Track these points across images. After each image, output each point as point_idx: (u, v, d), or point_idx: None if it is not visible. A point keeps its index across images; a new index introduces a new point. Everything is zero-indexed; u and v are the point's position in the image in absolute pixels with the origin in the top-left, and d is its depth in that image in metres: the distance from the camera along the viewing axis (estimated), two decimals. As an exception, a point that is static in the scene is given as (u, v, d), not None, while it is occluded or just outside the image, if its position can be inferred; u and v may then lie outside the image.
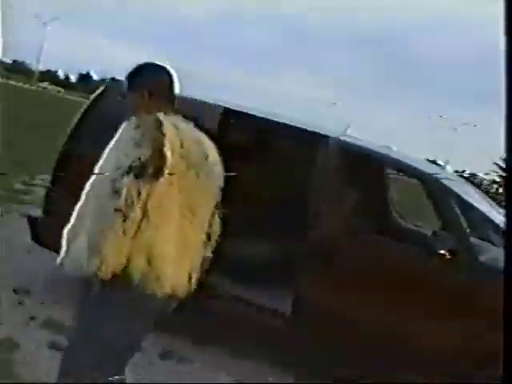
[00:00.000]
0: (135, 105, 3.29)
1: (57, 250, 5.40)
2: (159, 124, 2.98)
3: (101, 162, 2.98)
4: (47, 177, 6.17)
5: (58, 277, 6.09)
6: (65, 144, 5.73)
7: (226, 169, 5.76)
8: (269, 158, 6.66)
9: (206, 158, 3.22)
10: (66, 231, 3.05)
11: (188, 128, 3.19)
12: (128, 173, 2.82)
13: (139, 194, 2.84)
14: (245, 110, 5.66)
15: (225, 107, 5.49)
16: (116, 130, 5.44)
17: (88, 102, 5.84)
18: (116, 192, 2.80)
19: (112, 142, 3.00)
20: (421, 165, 5.69)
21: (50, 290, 5.88)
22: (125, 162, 2.86)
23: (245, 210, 6.13)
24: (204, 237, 3.25)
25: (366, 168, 5.90)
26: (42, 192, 6.70)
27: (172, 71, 3.38)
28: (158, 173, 2.90)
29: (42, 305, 5.49)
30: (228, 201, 5.87)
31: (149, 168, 2.88)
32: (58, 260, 3.06)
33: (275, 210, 6.12)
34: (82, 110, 5.77)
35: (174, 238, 3.05)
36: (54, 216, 5.58)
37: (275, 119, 5.61)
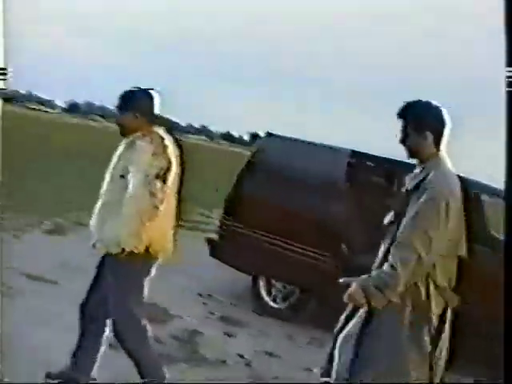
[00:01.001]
0: (129, 123, 4.00)
1: (230, 264, 7.08)
2: (163, 139, 3.93)
3: (129, 167, 3.83)
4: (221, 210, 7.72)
5: (229, 283, 7.74)
6: (234, 186, 7.33)
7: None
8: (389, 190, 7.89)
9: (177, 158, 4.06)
10: (93, 223, 3.98)
11: (169, 138, 4.02)
12: (157, 178, 3.78)
13: (165, 193, 3.83)
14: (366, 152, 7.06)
15: (353, 151, 6.93)
16: (271, 175, 7.02)
17: (251, 153, 7.46)
18: (153, 194, 3.77)
19: (133, 154, 3.86)
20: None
21: (225, 294, 7.45)
22: (152, 171, 3.79)
23: (374, 230, 7.44)
24: None
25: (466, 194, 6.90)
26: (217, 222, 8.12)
27: (154, 94, 4.05)
28: (169, 176, 3.87)
29: (219, 304, 7.07)
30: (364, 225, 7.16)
31: (168, 174, 3.85)
32: (91, 243, 3.99)
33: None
34: (247, 160, 7.38)
35: (171, 220, 4.08)
36: (227, 239, 7.30)
37: (392, 158, 6.88)
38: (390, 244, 3.36)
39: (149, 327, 4.16)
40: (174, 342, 5.63)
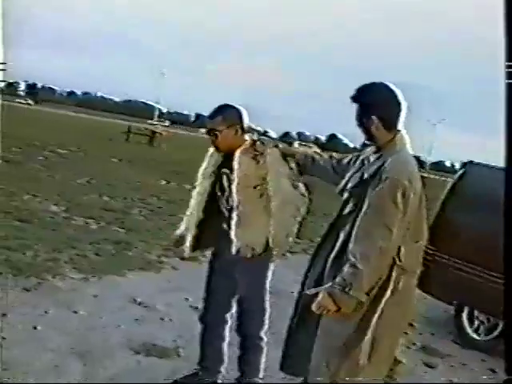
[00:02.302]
0: (227, 137, 4.07)
1: (433, 294, 7.03)
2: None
3: (273, 179, 3.99)
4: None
5: (431, 313, 7.74)
6: (436, 215, 7.28)
7: None
8: None
9: None
10: (236, 233, 4.05)
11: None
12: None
13: None
14: None
15: None
16: (474, 203, 6.93)
17: (453, 182, 7.44)
18: (303, 194, 4.03)
19: (266, 163, 4.00)
20: None
21: (427, 324, 7.38)
22: (291, 174, 4.05)
23: None
24: None
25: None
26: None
27: (243, 110, 4.15)
28: None
29: (421, 335, 6.92)
30: None
31: None
32: (234, 250, 4.07)
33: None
34: (449, 189, 7.39)
35: None
36: (431, 269, 7.25)
37: None
38: (349, 234, 3.32)
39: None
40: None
